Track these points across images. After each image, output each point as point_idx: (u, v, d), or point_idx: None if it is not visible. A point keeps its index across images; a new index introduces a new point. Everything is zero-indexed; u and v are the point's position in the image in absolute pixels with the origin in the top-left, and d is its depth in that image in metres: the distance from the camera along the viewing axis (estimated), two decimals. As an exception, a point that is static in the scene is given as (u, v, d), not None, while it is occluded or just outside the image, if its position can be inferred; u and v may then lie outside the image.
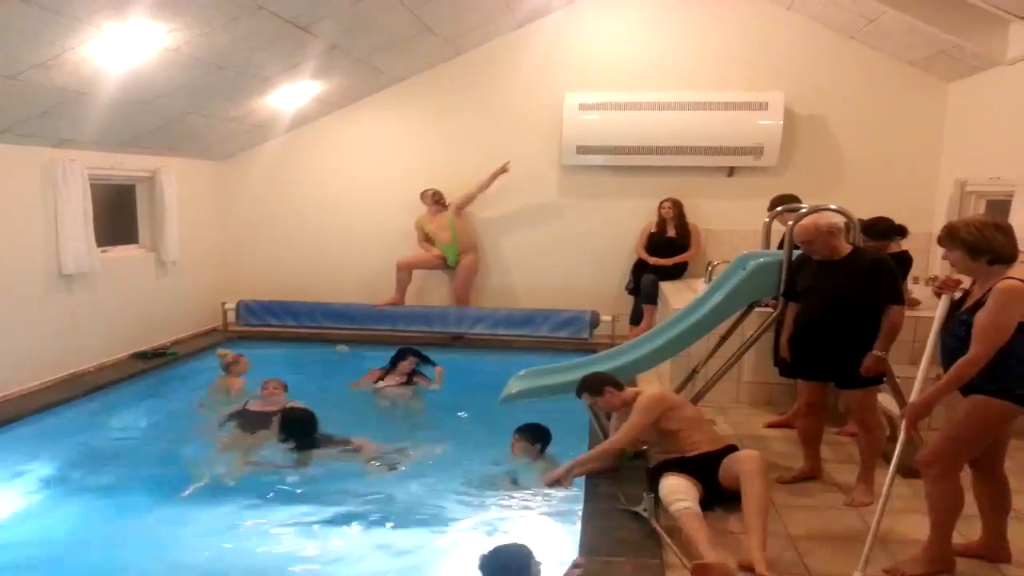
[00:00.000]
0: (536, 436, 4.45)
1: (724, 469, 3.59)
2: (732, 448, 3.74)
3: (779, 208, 5.12)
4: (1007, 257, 2.88)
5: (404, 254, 7.63)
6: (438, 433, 5.06)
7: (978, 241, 2.87)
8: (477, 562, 2.84)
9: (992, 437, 3.05)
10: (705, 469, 3.64)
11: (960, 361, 2.89)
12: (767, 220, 4.94)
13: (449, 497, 4.06)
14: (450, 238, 7.45)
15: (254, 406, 5.25)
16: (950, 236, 2.96)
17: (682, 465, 3.68)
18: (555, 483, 4.00)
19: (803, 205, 4.72)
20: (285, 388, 5.46)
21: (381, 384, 6.00)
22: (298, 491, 4.17)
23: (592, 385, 4.14)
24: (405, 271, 7.59)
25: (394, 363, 6.10)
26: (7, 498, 4.07)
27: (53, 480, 4.29)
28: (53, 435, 4.91)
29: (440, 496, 4.08)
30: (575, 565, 3.08)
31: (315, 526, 3.79)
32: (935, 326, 3.12)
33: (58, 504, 4.03)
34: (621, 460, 4.17)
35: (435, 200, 7.48)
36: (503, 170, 7.29)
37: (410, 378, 6.06)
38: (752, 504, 3.29)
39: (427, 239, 7.60)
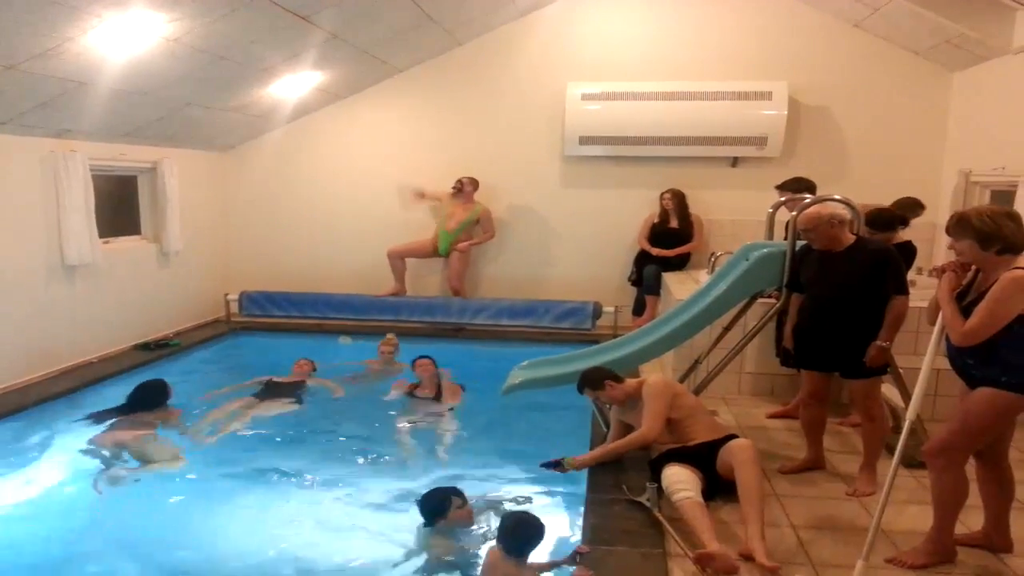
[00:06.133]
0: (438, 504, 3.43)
1: (720, 459, 3.60)
2: (732, 437, 3.74)
3: (783, 199, 5.12)
4: (1017, 246, 2.82)
5: (394, 244, 7.60)
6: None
7: (990, 230, 2.80)
8: (500, 523, 2.97)
9: (1000, 429, 3.04)
10: (705, 458, 3.64)
11: (957, 320, 2.87)
12: (771, 210, 4.93)
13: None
14: (455, 229, 7.44)
15: (280, 378, 5.67)
16: (960, 225, 2.88)
17: (683, 455, 3.69)
18: (556, 467, 3.87)
19: (806, 196, 4.70)
20: (314, 368, 5.94)
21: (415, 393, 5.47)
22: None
23: (591, 380, 4.12)
24: (398, 259, 7.60)
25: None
26: (7, 490, 4.06)
27: (53, 471, 4.29)
28: (55, 426, 4.89)
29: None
30: (577, 553, 3.08)
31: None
32: (939, 320, 3.05)
33: (57, 496, 4.03)
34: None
35: (470, 188, 7.41)
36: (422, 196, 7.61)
37: (438, 393, 5.42)
38: (747, 493, 3.30)
39: (421, 196, 7.61)
